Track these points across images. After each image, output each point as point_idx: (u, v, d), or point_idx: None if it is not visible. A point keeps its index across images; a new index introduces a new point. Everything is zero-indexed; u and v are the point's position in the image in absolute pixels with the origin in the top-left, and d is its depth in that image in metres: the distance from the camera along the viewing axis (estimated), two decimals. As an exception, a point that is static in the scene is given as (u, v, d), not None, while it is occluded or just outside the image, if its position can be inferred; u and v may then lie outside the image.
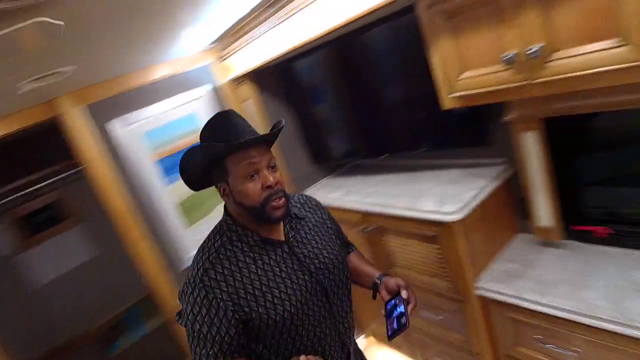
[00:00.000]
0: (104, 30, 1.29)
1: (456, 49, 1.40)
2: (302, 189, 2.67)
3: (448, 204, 1.69)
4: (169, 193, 2.39)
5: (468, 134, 1.91)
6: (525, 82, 1.26)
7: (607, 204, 1.56)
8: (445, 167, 2.11)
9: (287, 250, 1.17)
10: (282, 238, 1.19)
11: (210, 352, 1.02)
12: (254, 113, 2.47)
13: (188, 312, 1.06)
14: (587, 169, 1.58)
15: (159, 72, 2.32)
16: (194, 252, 1.19)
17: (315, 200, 1.41)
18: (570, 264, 1.57)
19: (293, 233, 1.22)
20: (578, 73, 1.13)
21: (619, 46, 1.03)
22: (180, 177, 1.14)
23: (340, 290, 1.25)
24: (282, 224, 1.21)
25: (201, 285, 1.04)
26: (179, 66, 2.37)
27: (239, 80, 2.45)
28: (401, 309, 1.14)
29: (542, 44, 1.15)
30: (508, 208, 1.88)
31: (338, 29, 1.64)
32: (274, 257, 1.15)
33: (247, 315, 1.05)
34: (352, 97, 2.29)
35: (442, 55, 1.46)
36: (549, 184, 1.59)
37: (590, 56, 1.09)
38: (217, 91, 2.56)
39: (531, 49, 1.17)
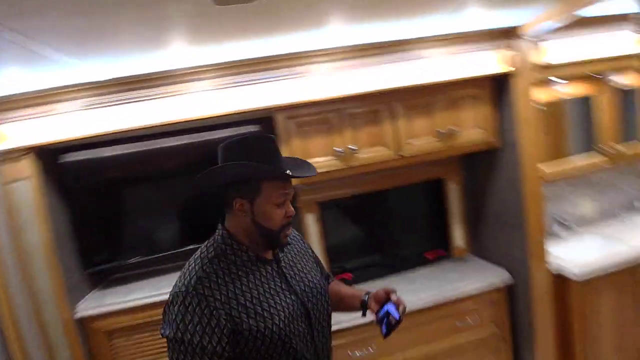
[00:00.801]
0: None
1: (303, 145, 2.24)
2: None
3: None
4: None
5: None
6: (345, 167, 2.28)
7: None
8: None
9: (276, 269, 1.24)
10: (271, 258, 1.27)
11: None
12: (30, 199, 1.98)
13: (178, 322, 1.04)
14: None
15: None
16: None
17: (296, 231, 1.51)
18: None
19: (282, 255, 1.30)
20: (369, 162, 2.30)
21: (384, 150, 2.31)
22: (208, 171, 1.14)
23: (321, 316, 1.30)
24: None
25: (194, 292, 1.04)
26: None
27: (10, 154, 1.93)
28: (391, 309, 1.22)
29: (355, 146, 2.26)
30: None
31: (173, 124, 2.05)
32: (264, 274, 1.20)
33: (238, 326, 1.06)
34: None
35: (291, 150, 2.23)
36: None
37: (374, 154, 2.31)
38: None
39: (350, 147, 2.25)
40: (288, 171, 1.16)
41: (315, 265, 1.44)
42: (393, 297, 1.25)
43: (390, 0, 1.58)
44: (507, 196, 2.46)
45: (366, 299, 1.35)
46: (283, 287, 1.21)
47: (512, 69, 2.26)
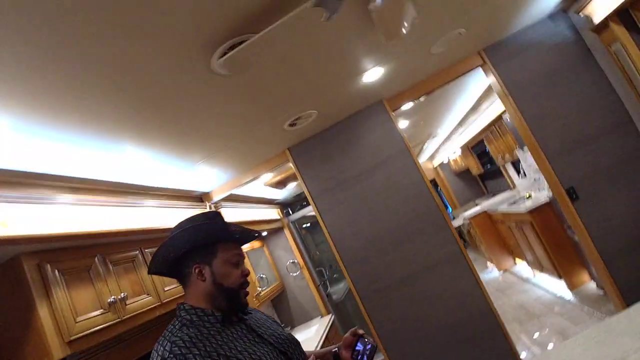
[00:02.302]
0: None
1: (69, 298, 1.67)
2: None
3: None
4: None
5: None
6: (119, 320, 1.87)
7: None
8: None
9: (245, 328, 1.23)
10: (237, 319, 1.26)
11: None
12: None
13: None
14: None
15: None
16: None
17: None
18: None
19: (247, 317, 1.29)
20: (139, 310, 2.03)
21: (147, 296, 2.14)
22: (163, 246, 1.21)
23: None
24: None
25: (172, 356, 1.04)
26: None
27: None
28: (359, 346, 1.30)
29: (122, 294, 1.97)
30: None
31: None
32: (235, 333, 1.19)
33: None
34: None
35: (57, 305, 1.61)
36: None
37: (141, 301, 2.07)
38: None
39: (119, 297, 1.94)
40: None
41: (280, 326, 1.42)
42: (360, 331, 1.34)
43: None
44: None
45: (337, 349, 1.39)
46: (257, 340, 1.21)
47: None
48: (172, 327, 1.17)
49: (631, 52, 2.21)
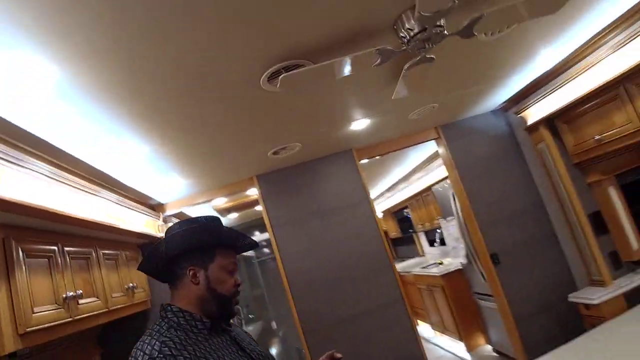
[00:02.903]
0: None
1: (29, 284, 1.49)
2: None
3: None
4: None
5: None
6: (70, 319, 1.68)
7: None
8: None
9: (229, 339, 1.22)
10: (223, 328, 1.25)
11: None
12: None
13: None
14: None
15: None
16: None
17: None
18: None
19: (231, 329, 1.27)
20: (90, 313, 1.84)
21: (97, 299, 1.95)
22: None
23: None
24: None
25: (161, 356, 1.01)
26: None
27: None
28: None
29: (78, 291, 1.79)
30: None
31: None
32: (221, 342, 1.18)
33: None
34: None
35: (17, 288, 1.43)
36: None
37: (91, 304, 1.88)
38: None
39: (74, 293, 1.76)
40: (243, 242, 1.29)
41: (257, 343, 1.42)
42: (337, 355, 1.37)
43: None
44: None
45: None
46: (240, 353, 1.20)
47: (161, 235, 2.78)
48: (157, 327, 1.11)
49: (552, 152, 2.80)
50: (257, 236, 5.12)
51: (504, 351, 3.99)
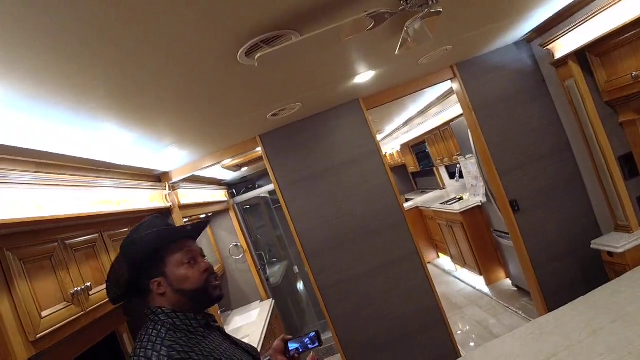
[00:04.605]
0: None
1: (32, 291, 1.49)
2: None
3: None
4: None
5: None
6: (83, 312, 1.71)
7: None
8: None
9: (221, 335, 1.22)
10: (215, 324, 1.24)
11: None
12: None
13: None
14: None
15: None
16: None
17: None
18: None
19: (218, 325, 1.25)
20: (104, 301, 1.87)
21: (69, 305, 1.90)
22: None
23: None
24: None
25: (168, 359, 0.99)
26: None
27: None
28: (292, 345, 1.33)
29: (87, 283, 1.80)
30: None
31: None
32: (217, 339, 1.18)
33: None
34: None
35: (20, 299, 1.43)
36: None
37: (103, 291, 1.90)
38: None
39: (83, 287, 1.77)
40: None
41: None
42: (288, 337, 1.37)
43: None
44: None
45: (267, 358, 1.39)
46: (234, 347, 1.21)
47: (170, 204, 2.76)
48: (155, 331, 1.07)
49: (582, 89, 2.51)
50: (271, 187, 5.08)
51: (523, 286, 4.03)
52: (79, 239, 1.87)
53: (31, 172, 1.56)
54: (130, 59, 1.19)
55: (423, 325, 2.84)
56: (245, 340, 3.53)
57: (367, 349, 2.82)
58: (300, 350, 1.34)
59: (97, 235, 2.02)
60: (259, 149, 2.91)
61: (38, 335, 1.42)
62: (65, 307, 1.61)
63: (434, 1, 1.21)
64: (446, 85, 3.38)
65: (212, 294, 1.18)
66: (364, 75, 2.31)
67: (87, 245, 1.92)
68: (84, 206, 1.83)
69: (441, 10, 1.34)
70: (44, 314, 1.49)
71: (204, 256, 1.24)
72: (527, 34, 2.74)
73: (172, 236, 1.19)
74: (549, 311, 2.75)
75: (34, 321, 1.43)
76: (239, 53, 1.37)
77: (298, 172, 2.87)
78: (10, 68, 1.01)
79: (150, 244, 1.14)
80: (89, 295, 1.78)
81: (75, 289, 1.69)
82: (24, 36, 0.91)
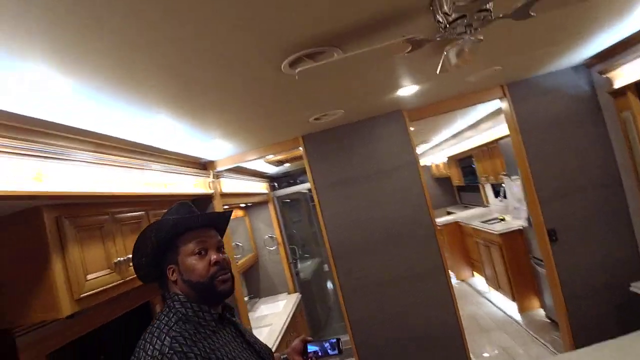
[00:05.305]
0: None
1: (81, 256, 1.69)
2: None
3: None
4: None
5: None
6: (122, 280, 1.90)
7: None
8: None
9: (234, 330, 1.21)
10: (228, 318, 1.23)
11: None
12: None
13: None
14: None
15: None
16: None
17: None
18: None
19: (234, 319, 1.26)
20: None
21: (111, 272, 2.10)
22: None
23: None
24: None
25: (172, 352, 0.99)
26: None
27: None
28: (316, 346, 1.35)
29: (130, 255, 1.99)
30: None
31: None
32: (228, 336, 1.17)
33: None
34: None
35: (70, 261, 1.62)
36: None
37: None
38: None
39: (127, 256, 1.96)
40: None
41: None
42: (308, 338, 1.37)
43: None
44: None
45: (285, 357, 1.39)
46: (245, 346, 1.19)
47: (212, 191, 2.94)
48: (166, 318, 1.09)
49: (638, 122, 2.37)
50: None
51: (557, 320, 3.85)
52: (127, 214, 2.07)
53: (90, 151, 1.76)
54: (182, 60, 1.32)
55: (441, 343, 2.82)
56: (266, 330, 3.68)
57: (382, 356, 2.86)
58: (320, 354, 1.34)
59: (143, 213, 2.22)
60: (301, 149, 3.02)
61: (82, 295, 1.61)
62: (108, 274, 1.81)
63: (473, 31, 1.23)
64: (498, 102, 3.31)
65: (216, 288, 1.15)
66: (408, 89, 2.34)
67: (133, 221, 2.12)
68: (133, 186, 2.03)
69: (482, 38, 1.36)
70: (89, 277, 1.68)
71: (221, 248, 1.21)
72: (587, 58, 2.63)
73: (187, 224, 1.18)
74: (576, 347, 2.65)
75: (80, 282, 1.62)
76: (283, 64, 1.47)
77: (335, 175, 2.95)
78: (80, 66, 1.17)
79: (162, 232, 1.16)
80: (129, 266, 1.97)
81: (119, 258, 1.88)
82: (95, 40, 1.06)
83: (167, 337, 1.02)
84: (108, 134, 1.80)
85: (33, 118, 1.37)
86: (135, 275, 1.94)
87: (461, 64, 1.56)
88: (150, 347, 1.01)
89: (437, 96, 2.77)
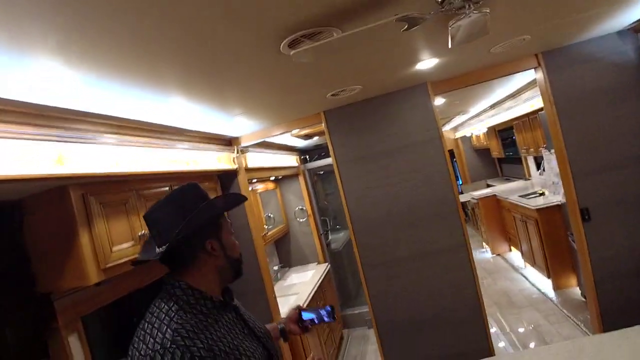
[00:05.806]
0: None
1: (107, 229, 1.84)
2: None
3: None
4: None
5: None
6: None
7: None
8: None
9: (234, 315, 1.21)
10: (230, 303, 1.23)
11: None
12: None
13: None
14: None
15: None
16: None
17: None
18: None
19: (234, 304, 1.26)
20: None
21: (135, 245, 2.26)
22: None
23: (280, 358, 1.33)
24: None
25: (174, 346, 0.96)
26: None
27: None
28: (307, 315, 1.43)
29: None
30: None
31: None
32: (229, 320, 1.17)
33: None
34: None
35: (96, 234, 1.77)
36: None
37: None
38: None
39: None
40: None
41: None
42: (302, 307, 1.43)
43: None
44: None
45: (282, 327, 1.47)
46: (246, 332, 1.19)
47: (236, 166, 3.03)
48: (166, 307, 1.06)
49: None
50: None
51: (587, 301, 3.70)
52: (151, 190, 2.20)
53: (113, 133, 1.87)
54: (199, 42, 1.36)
55: (460, 318, 2.82)
56: (293, 298, 3.83)
57: (400, 330, 2.91)
58: (316, 322, 1.42)
59: (167, 188, 2.35)
60: (323, 124, 3.02)
61: (107, 265, 1.76)
62: (132, 246, 1.96)
63: (472, 6, 1.15)
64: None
65: (241, 268, 1.24)
66: (427, 62, 2.24)
67: (157, 197, 2.26)
68: (156, 164, 2.14)
69: (488, 11, 1.27)
70: (114, 248, 1.84)
71: None
72: (634, 22, 2.37)
73: (237, 204, 1.30)
74: (604, 329, 2.56)
75: (106, 253, 1.78)
76: (282, 45, 1.46)
77: (357, 150, 2.94)
78: (102, 64, 1.23)
79: (218, 209, 1.20)
80: (154, 238, 2.12)
81: (142, 232, 2.03)
82: (112, 42, 1.11)
83: (168, 330, 0.99)
84: (128, 117, 1.89)
85: (48, 106, 1.47)
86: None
87: (468, 40, 1.48)
88: (151, 339, 0.99)
89: (465, 67, 2.63)
